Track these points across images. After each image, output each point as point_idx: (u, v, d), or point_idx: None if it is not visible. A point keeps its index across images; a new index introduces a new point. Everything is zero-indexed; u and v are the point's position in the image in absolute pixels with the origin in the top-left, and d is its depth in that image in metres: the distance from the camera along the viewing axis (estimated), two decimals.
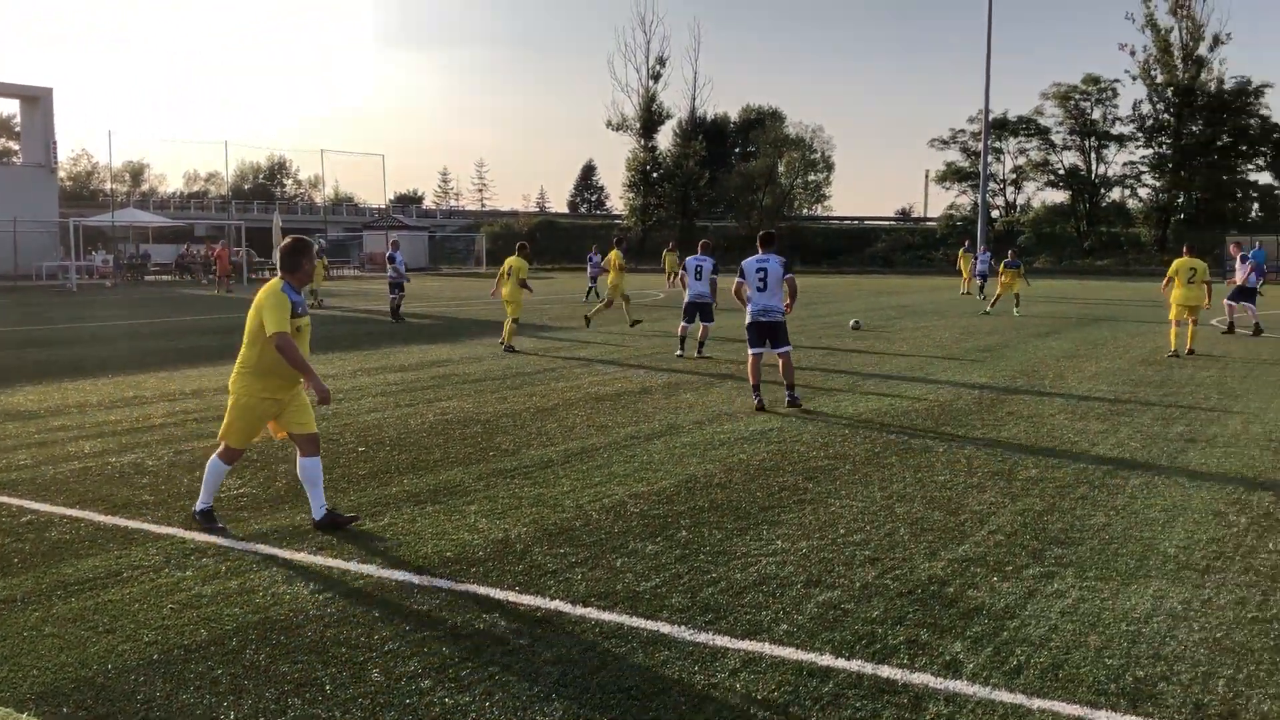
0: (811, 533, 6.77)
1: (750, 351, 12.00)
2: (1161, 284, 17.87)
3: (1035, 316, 25.87)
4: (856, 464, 8.86)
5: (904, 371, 15.10)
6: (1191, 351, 17.00)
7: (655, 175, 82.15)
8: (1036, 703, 4.29)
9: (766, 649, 4.85)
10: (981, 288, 34.60)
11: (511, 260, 18.36)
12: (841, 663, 4.69)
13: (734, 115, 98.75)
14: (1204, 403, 12.13)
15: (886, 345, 19.02)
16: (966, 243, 39.06)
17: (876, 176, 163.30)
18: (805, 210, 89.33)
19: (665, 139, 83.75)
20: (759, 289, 11.86)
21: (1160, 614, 5.31)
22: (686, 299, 16.61)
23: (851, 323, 22.51)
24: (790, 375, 11.90)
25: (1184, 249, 17.66)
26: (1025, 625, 5.16)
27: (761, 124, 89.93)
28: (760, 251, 12.05)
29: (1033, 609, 5.38)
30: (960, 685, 4.46)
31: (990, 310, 26.97)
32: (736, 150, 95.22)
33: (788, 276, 11.89)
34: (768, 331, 11.84)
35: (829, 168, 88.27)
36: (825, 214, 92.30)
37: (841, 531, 6.80)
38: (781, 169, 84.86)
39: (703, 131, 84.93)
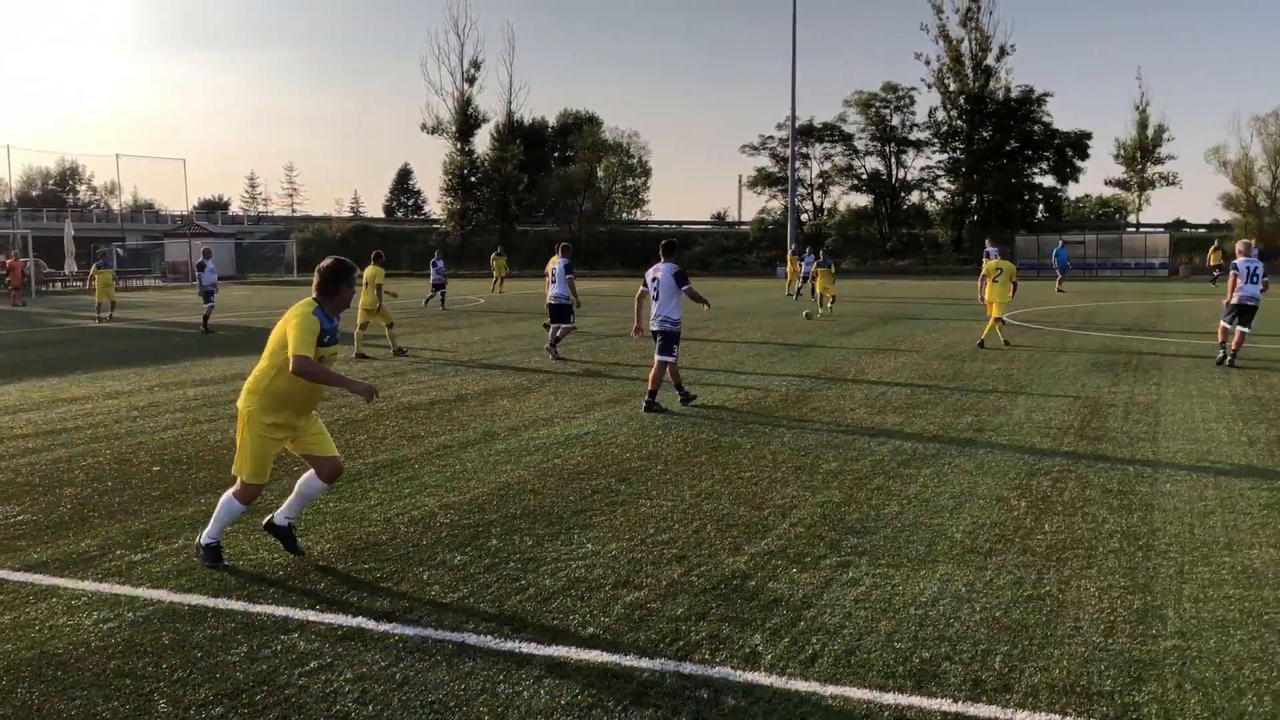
0: (621, 534, 6.84)
1: (657, 358, 12.05)
2: (977, 284, 19.40)
3: (841, 315, 26.89)
4: (668, 464, 9.00)
5: (717, 370, 15.45)
6: (1007, 343, 18.46)
7: (473, 179, 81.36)
8: (829, 689, 4.46)
9: (572, 653, 4.87)
10: (812, 290, 35.65)
11: (368, 270, 18.39)
12: (645, 662, 4.76)
13: (552, 120, 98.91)
14: (992, 394, 12.88)
15: (700, 346, 19.40)
16: (794, 246, 40.28)
17: (693, 181, 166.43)
18: (624, 214, 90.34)
19: (482, 143, 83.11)
20: (654, 298, 12.12)
21: (946, 597, 5.60)
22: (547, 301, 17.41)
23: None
24: (655, 381, 11.99)
25: (999, 251, 19.57)
26: (821, 614, 5.35)
27: (579, 128, 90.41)
28: (661, 260, 12.22)
29: (829, 598, 5.59)
30: (758, 676, 4.59)
31: (823, 311, 27.94)
32: (556, 154, 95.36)
33: (684, 288, 12.01)
34: (668, 338, 11.99)
35: (646, 172, 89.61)
36: (644, 218, 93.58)
37: (651, 531, 6.90)
38: (600, 173, 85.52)
39: (520, 135, 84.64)
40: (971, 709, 4.26)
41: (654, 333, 12.10)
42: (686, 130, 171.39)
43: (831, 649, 4.89)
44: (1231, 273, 15.83)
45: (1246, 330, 15.57)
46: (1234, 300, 15.56)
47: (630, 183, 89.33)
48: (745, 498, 7.79)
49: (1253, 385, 13.33)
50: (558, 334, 17.43)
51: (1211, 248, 46.42)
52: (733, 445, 9.79)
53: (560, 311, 17.15)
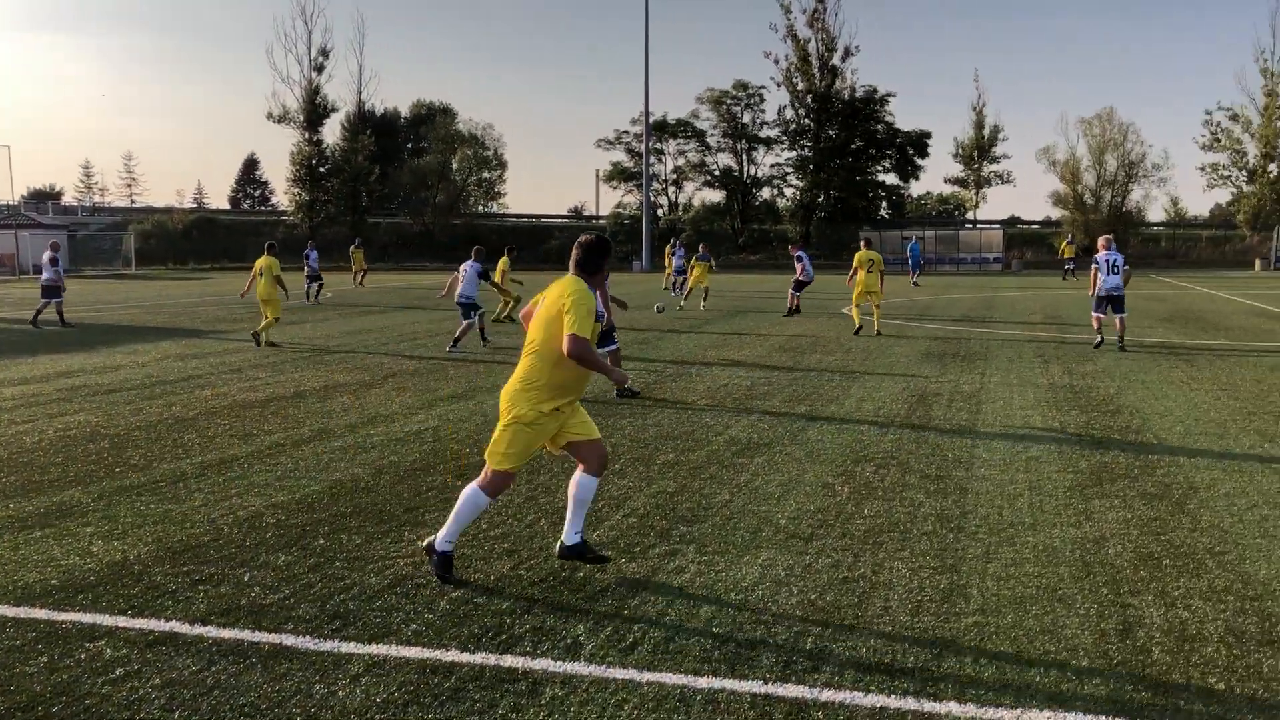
0: None
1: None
2: (847, 276, 20.65)
3: (692, 309, 27.29)
4: None
5: None
6: (879, 333, 19.66)
7: (322, 170, 79.29)
8: (646, 676, 4.55)
9: (393, 651, 4.83)
10: (680, 284, 35.84)
11: (262, 260, 19.12)
12: (466, 657, 4.76)
13: (404, 110, 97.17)
14: (827, 384, 13.29)
15: None
16: (673, 240, 40.46)
17: (551, 175, 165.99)
18: (480, 207, 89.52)
19: (332, 133, 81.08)
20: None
21: (766, 581, 5.77)
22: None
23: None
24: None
25: (863, 243, 20.72)
26: (645, 603, 5.44)
27: (432, 120, 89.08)
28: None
29: (654, 586, 5.69)
30: (578, 666, 4.65)
31: (684, 304, 28.49)
32: (409, 146, 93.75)
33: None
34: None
35: (502, 165, 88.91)
36: (501, 211, 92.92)
37: (484, 526, 6.88)
38: (455, 165, 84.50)
39: (372, 126, 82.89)
40: (780, 689, 4.41)
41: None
42: (543, 123, 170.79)
43: (652, 636, 4.99)
44: (1093, 267, 17.36)
45: (1123, 314, 17.20)
46: (1101, 293, 17.04)
47: (486, 175, 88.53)
48: None
49: (1069, 374, 14.11)
50: (461, 334, 18.06)
51: (1065, 241, 48.83)
52: None
53: (468, 309, 18.15)
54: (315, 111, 78.36)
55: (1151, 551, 6.24)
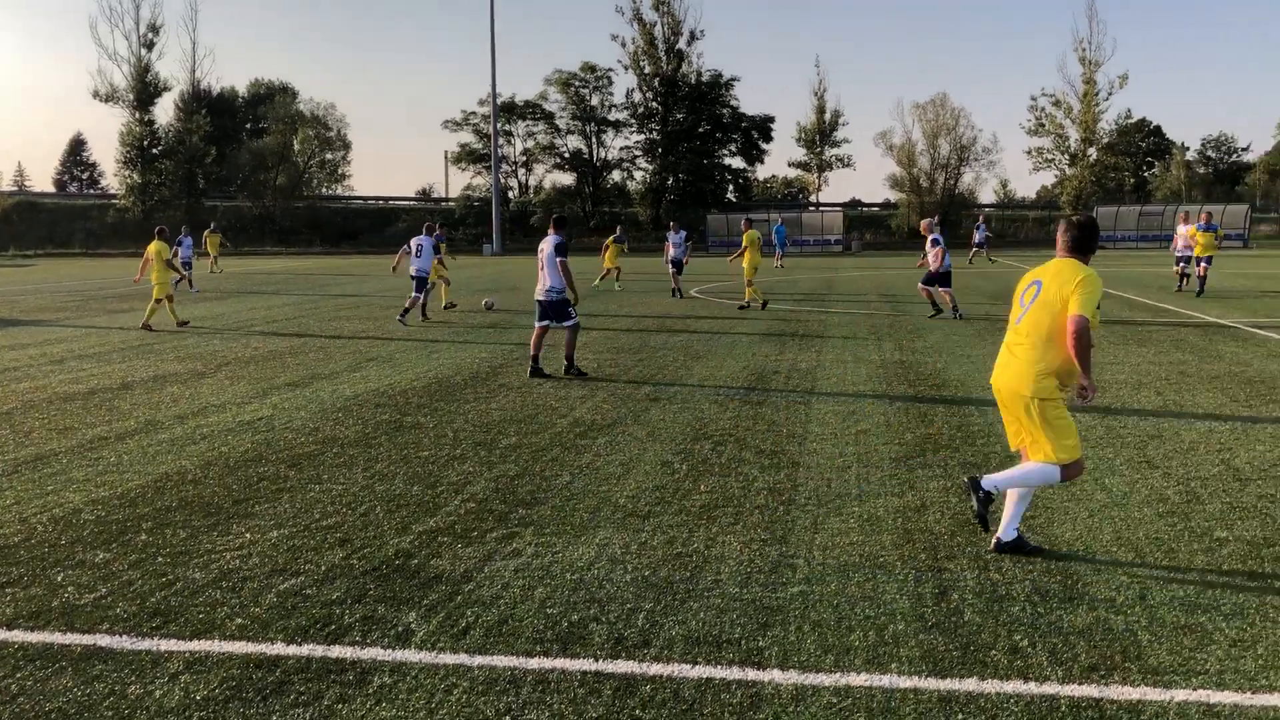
0: (285, 521, 6.64)
1: (536, 324, 12.58)
2: (732, 255, 22.39)
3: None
4: (344, 447, 8.81)
5: (407, 350, 15.24)
6: (765, 304, 21.60)
7: (155, 151, 75.84)
8: (478, 660, 4.54)
9: (216, 646, 4.69)
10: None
11: (152, 245, 19.16)
12: (293, 649, 4.66)
13: (242, 89, 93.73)
14: (671, 364, 13.46)
15: (397, 326, 19.08)
16: (619, 230, 39.70)
17: (398, 156, 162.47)
18: (324, 189, 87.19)
19: (165, 113, 77.65)
20: (540, 268, 12.41)
21: (602, 560, 5.83)
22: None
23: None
24: (570, 348, 12.60)
25: (744, 224, 22.93)
26: (480, 587, 5.43)
27: (271, 99, 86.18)
28: (551, 233, 12.55)
29: (489, 570, 5.68)
30: (408, 654, 4.60)
31: (598, 284, 28.96)
32: (248, 126, 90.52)
33: (560, 259, 12.22)
34: (548, 308, 12.41)
35: (346, 146, 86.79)
36: (346, 193, 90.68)
37: (316, 517, 6.74)
38: (296, 147, 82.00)
39: (207, 105, 79.73)
40: (611, 666, 4.47)
41: (540, 302, 12.47)
42: (389, 103, 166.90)
43: (485, 620, 4.98)
44: (937, 247, 19.14)
45: (949, 289, 19.17)
46: (940, 269, 19.13)
47: (329, 157, 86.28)
48: (420, 477, 7.76)
49: (900, 350, 14.67)
50: (410, 305, 19.34)
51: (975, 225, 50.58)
52: (415, 425, 9.71)
53: (421, 283, 19.68)
54: (146, 90, 74.97)
55: (968, 518, 6.55)
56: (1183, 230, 25.11)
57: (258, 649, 4.66)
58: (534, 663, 4.51)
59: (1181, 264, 25.22)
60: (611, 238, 29.73)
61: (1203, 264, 23.59)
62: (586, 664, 4.49)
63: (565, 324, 12.49)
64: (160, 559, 5.93)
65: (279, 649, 4.66)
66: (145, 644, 4.73)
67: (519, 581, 5.51)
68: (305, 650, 4.65)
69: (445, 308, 22.39)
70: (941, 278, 19.18)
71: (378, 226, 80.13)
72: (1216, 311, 19.91)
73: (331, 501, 7.09)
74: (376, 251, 67.98)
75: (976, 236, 43.79)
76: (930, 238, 19.43)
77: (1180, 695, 4.11)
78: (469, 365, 13.66)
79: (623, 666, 4.47)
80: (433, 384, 12.16)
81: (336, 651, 4.64)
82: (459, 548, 6.09)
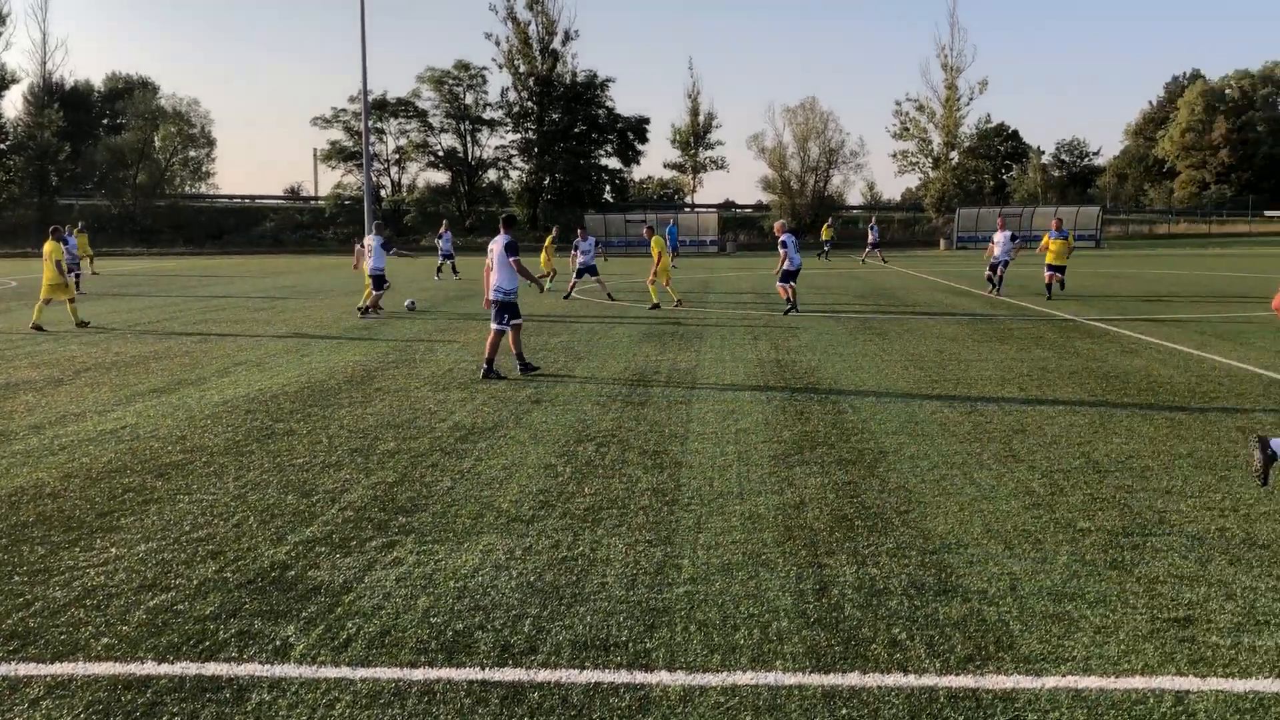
0: (153, 535, 6.38)
1: (492, 326, 12.59)
2: (656, 259, 22.73)
3: (414, 294, 26.79)
4: (214, 455, 8.52)
5: (279, 354, 14.82)
6: (679, 302, 22.75)
7: (3, 147, 72.08)
8: (360, 673, 4.44)
9: (80, 669, 4.47)
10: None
11: (47, 245, 19.01)
12: (165, 668, 4.47)
13: (99, 83, 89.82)
14: (553, 365, 13.41)
15: (265, 327, 18.54)
16: (555, 231, 38.87)
17: (264, 154, 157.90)
18: (187, 187, 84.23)
19: (14, 106, 73.89)
20: (489, 269, 12.57)
21: (486, 567, 5.77)
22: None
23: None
24: (517, 346, 12.77)
25: (646, 230, 24.04)
26: (361, 598, 5.31)
27: (130, 94, 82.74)
28: (501, 233, 12.63)
29: (370, 580, 5.56)
30: (287, 669, 4.47)
31: (550, 284, 28.38)
32: (105, 122, 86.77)
33: (511, 259, 12.36)
34: (501, 308, 12.48)
35: (210, 143, 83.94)
36: (210, 192, 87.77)
37: (186, 529, 6.49)
38: (158, 143, 78.97)
39: (60, 99, 76.13)
40: (498, 674, 4.42)
41: (494, 301, 12.53)
42: (256, 99, 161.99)
43: (366, 631, 4.87)
44: (782, 250, 20.24)
45: (794, 285, 20.75)
46: (790, 268, 20.29)
47: (193, 154, 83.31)
48: (295, 485, 7.55)
49: (775, 349, 14.92)
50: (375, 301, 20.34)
51: (826, 224, 51.84)
52: (288, 432, 9.45)
53: (378, 281, 20.67)
54: None
55: (846, 513, 6.70)
56: (998, 238, 24.90)
57: (126, 669, 4.47)
58: (419, 673, 4.43)
59: (999, 269, 24.78)
60: (550, 238, 29.94)
61: (1054, 273, 23.22)
62: (473, 673, 4.44)
63: (514, 322, 12.66)
64: (16, 578, 5.63)
65: (149, 669, 4.48)
66: (2, 669, 4.48)
67: (401, 591, 5.41)
68: (178, 669, 4.47)
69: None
70: (790, 275, 20.53)
71: (244, 226, 77.78)
72: (1072, 309, 20.84)
73: (202, 512, 6.84)
74: (243, 252, 66.01)
75: (871, 237, 45.14)
76: (780, 239, 20.78)
77: (1051, 682, 4.28)
78: (343, 369, 13.36)
79: (510, 674, 4.43)
80: (305, 388, 11.85)
81: (211, 669, 4.47)
82: (337, 558, 5.95)
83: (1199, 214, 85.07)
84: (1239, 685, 4.25)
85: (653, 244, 22.79)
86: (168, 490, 7.43)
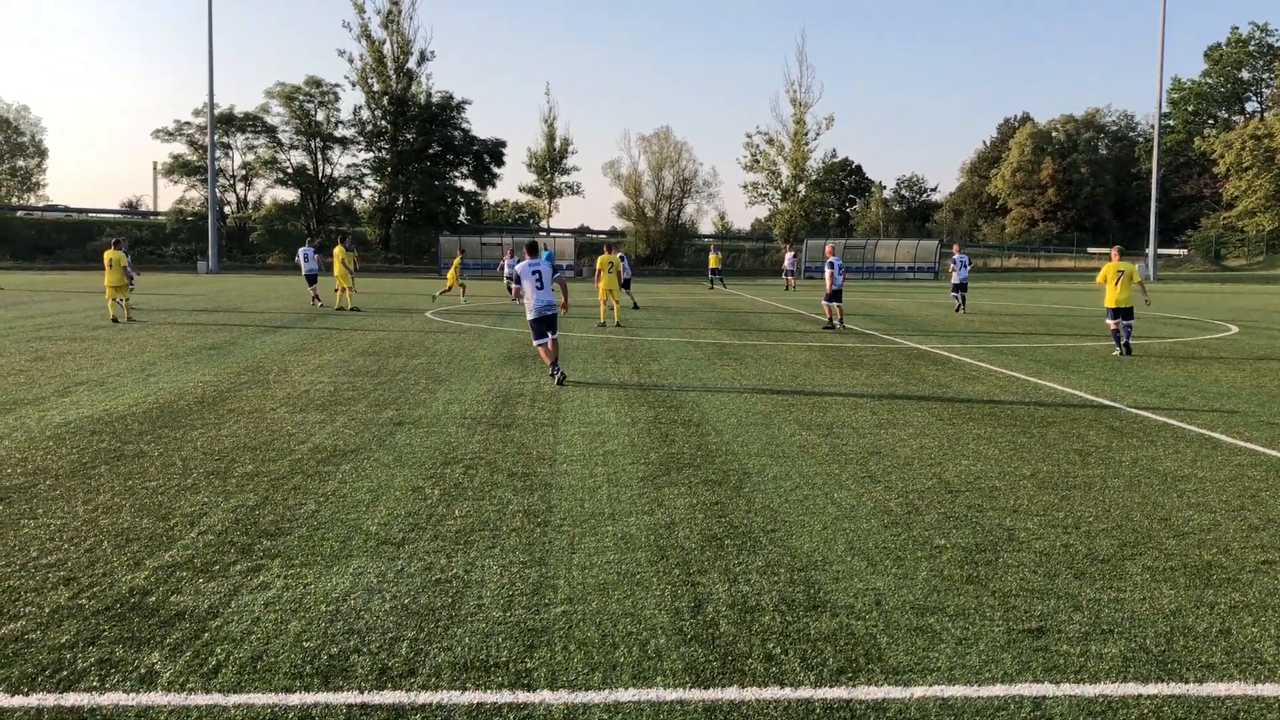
0: None
1: (535, 342, 14.14)
2: (595, 280, 24.81)
3: (264, 312, 26.06)
4: (59, 478, 8.10)
5: (123, 373, 14.18)
6: (606, 325, 23.79)
7: None
8: (233, 699, 4.31)
9: None
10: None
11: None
12: (19, 700, 4.25)
13: None
14: (413, 387, 13.24)
15: (106, 346, 17.71)
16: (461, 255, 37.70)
17: (101, 166, 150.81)
18: (15, 199, 79.80)
19: None
20: (538, 288, 13.92)
21: (358, 590, 5.67)
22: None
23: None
24: (557, 353, 14.18)
25: (606, 249, 24.39)
26: (228, 623, 5.15)
27: None
28: (528, 258, 14.08)
29: (237, 605, 5.40)
30: (155, 696, 4.31)
31: (465, 302, 30.31)
32: None
33: (558, 276, 14.42)
34: (549, 323, 14.01)
35: (41, 153, 79.87)
36: (41, 204, 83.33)
37: (34, 554, 6.17)
38: None
39: None
40: (377, 697, 4.36)
41: (544, 318, 13.96)
42: (92, 109, 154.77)
43: (237, 657, 4.73)
44: (829, 269, 23.59)
45: (840, 305, 23.89)
46: (835, 287, 23.54)
47: (21, 164, 79.01)
48: (149, 508, 7.25)
49: (637, 373, 15.09)
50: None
51: (711, 252, 53.66)
52: (138, 454, 9.06)
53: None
54: None
55: (715, 533, 6.85)
56: (958, 259, 31.05)
57: None
58: (294, 698, 4.33)
59: (961, 290, 30.43)
60: (457, 259, 32.52)
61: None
62: (351, 697, 4.36)
63: (554, 335, 14.05)
64: None
65: (1, 701, 4.24)
66: None
67: (270, 615, 5.26)
68: (33, 700, 4.25)
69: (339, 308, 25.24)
70: (835, 295, 23.72)
71: (78, 240, 74.07)
72: (916, 339, 21.74)
73: (50, 537, 6.51)
74: (77, 267, 62.81)
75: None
76: (829, 260, 24.02)
77: (919, 692, 4.48)
78: (192, 389, 12.88)
79: (389, 697, 4.37)
80: (154, 409, 11.38)
81: (71, 699, 4.27)
82: (200, 582, 5.75)
83: (1029, 249, 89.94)
84: (1090, 690, 4.53)
85: (600, 262, 24.31)
86: (11, 515, 7.04)
